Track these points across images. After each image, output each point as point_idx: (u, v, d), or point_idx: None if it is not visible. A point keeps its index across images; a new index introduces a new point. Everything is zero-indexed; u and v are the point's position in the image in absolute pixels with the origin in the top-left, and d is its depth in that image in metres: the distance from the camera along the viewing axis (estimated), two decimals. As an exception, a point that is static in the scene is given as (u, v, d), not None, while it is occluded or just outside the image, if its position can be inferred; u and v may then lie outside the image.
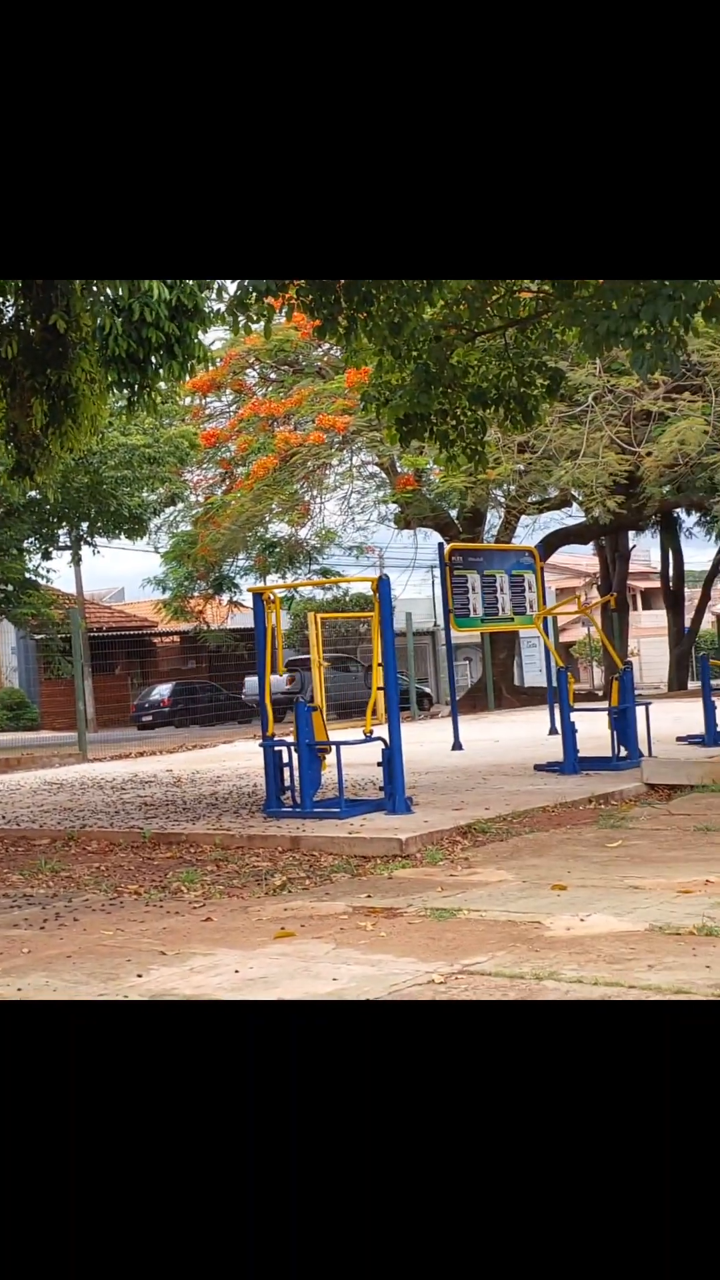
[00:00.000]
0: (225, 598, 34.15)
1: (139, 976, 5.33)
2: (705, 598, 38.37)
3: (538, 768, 12.61)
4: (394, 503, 28.45)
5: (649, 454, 23.66)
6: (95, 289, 10.90)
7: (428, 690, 34.61)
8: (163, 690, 34.36)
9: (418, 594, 41.72)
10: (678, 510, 33.01)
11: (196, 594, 34.05)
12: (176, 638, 40.32)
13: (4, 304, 11.58)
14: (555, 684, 14.33)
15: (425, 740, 17.13)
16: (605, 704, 13.45)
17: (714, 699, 13.72)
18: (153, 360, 10.91)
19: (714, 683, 14.25)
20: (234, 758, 17.38)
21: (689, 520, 35.39)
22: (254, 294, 11.02)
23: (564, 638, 47.99)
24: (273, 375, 29.08)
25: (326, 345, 21.77)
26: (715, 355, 22.73)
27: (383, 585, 10.14)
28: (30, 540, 28.24)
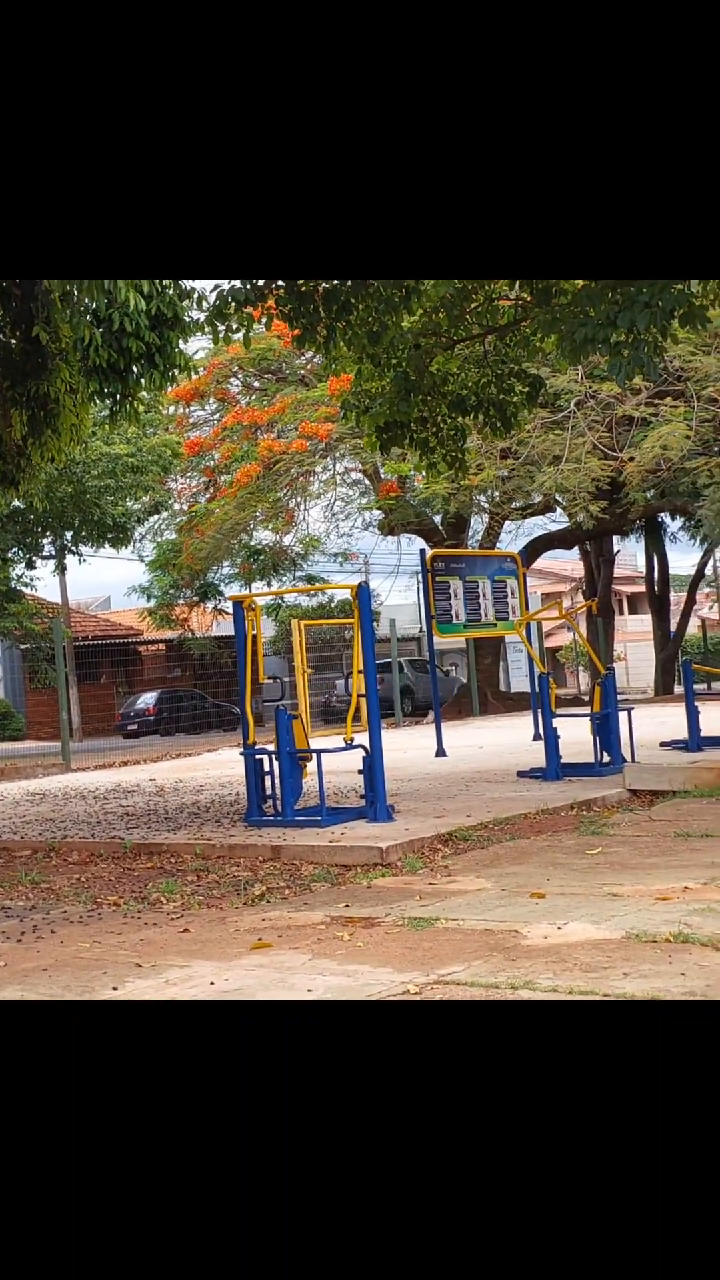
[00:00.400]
0: (210, 605, 34.18)
1: (114, 990, 5.31)
2: (690, 602, 38.40)
3: (521, 774, 12.61)
4: (378, 509, 28.46)
5: (631, 459, 23.71)
6: (75, 299, 10.89)
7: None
8: (148, 699, 34.31)
9: (403, 600, 41.84)
10: (662, 515, 33.09)
11: (181, 602, 34.12)
12: (162, 646, 40.30)
13: (-16, 314, 11.56)
14: (538, 689, 14.33)
15: (409, 747, 17.13)
16: (588, 709, 13.46)
17: (696, 704, 13.74)
18: (134, 370, 10.92)
19: (697, 687, 14.28)
20: (218, 766, 17.36)
21: (673, 525, 35.50)
22: (233, 303, 11.02)
23: (551, 642, 48.07)
24: (256, 383, 29.08)
25: (309, 353, 21.79)
26: (696, 361, 22.80)
27: (362, 592, 10.14)
28: (14, 550, 28.20)
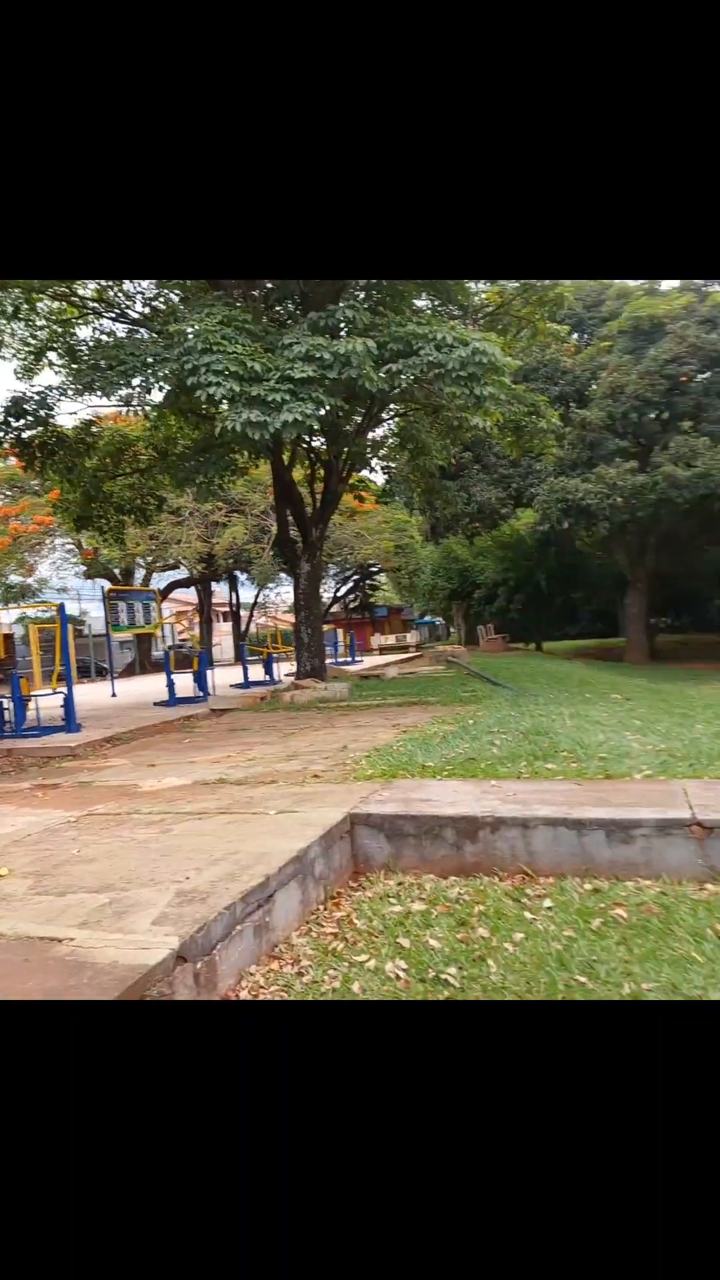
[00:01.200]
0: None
1: None
2: (250, 616, 38.83)
3: (155, 704, 12.19)
4: (84, 564, 26.54)
5: (218, 542, 23.63)
6: None
7: (105, 666, 32.54)
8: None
9: (99, 613, 39.12)
10: (236, 571, 33.15)
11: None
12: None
13: None
14: (164, 659, 13.97)
15: (97, 692, 16.07)
16: (190, 669, 13.29)
17: (247, 665, 13.90)
18: None
19: (251, 657, 14.46)
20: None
21: (242, 576, 35.60)
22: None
23: (182, 636, 46.77)
24: (8, 492, 26.17)
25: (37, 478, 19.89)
26: (248, 495, 23.09)
27: (61, 610, 9.42)
28: None
